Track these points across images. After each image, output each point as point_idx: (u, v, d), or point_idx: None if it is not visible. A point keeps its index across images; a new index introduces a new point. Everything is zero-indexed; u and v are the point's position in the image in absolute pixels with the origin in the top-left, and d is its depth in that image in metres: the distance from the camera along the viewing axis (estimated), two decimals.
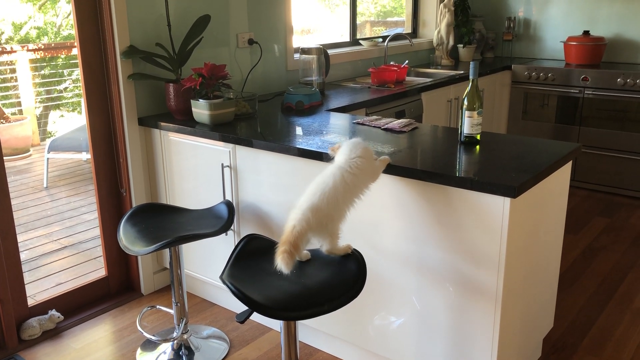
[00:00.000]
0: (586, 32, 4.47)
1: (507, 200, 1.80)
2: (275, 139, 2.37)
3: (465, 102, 2.14)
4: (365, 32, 4.85)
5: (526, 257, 2.02)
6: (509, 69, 4.56)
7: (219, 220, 2.33)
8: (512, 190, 1.76)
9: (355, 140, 1.86)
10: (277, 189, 2.40)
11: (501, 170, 1.91)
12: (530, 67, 4.48)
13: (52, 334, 2.64)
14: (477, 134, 2.19)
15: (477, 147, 2.18)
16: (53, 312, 2.67)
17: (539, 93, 4.48)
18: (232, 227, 2.59)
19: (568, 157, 2.11)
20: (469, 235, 1.91)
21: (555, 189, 2.16)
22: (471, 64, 2.13)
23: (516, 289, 1.99)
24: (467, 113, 2.15)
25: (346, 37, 4.29)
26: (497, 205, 1.82)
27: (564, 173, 2.20)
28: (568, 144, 2.19)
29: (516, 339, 2.09)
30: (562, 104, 4.39)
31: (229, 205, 2.39)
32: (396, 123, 2.52)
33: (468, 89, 2.13)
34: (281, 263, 1.65)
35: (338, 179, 1.74)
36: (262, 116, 2.83)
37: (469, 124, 2.16)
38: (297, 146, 2.26)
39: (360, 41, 4.27)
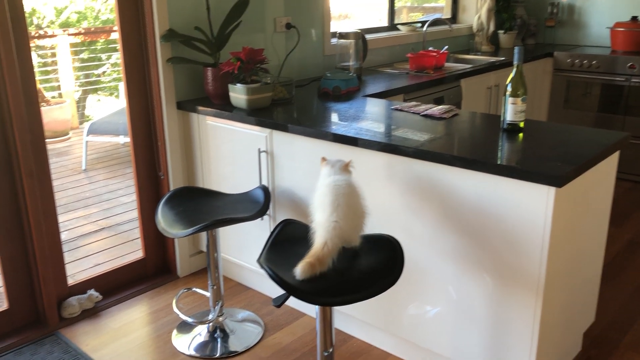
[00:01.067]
0: (634, 18, 4.30)
1: (552, 189, 1.75)
2: (312, 125, 2.35)
3: (509, 89, 2.08)
4: (402, 17, 4.77)
5: (569, 248, 1.97)
6: (550, 56, 4.43)
7: (255, 204, 2.33)
8: (557, 179, 1.71)
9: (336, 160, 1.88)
10: (313, 174, 2.38)
11: (545, 158, 1.85)
12: (573, 54, 4.34)
13: (90, 313, 2.70)
14: (521, 121, 2.13)
15: (520, 134, 2.12)
16: (92, 291, 2.72)
17: (582, 81, 4.34)
18: (267, 212, 2.59)
19: (615, 147, 2.03)
20: (510, 225, 1.86)
21: (601, 179, 2.09)
22: (516, 49, 2.07)
23: (558, 281, 1.94)
24: (510, 99, 2.09)
25: (384, 22, 4.23)
26: (541, 195, 1.77)
27: (610, 163, 2.13)
28: (615, 133, 2.11)
29: (556, 332, 2.05)
30: (606, 92, 4.25)
31: (265, 190, 2.39)
32: (436, 109, 2.47)
33: (512, 74, 2.07)
34: (300, 270, 1.65)
35: (341, 191, 1.74)
36: (298, 101, 2.81)
37: (512, 110, 2.10)
38: (334, 132, 2.23)
39: (399, 26, 4.20)
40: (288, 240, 1.93)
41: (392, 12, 4.24)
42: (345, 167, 1.84)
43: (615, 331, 2.51)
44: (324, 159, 1.89)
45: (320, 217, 1.74)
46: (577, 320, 2.23)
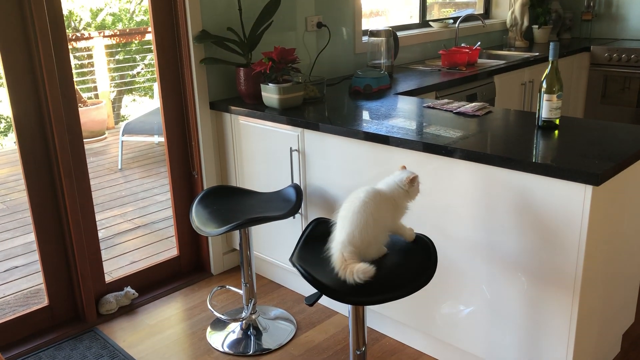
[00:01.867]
0: None
1: (589, 188, 1.71)
2: (343, 123, 2.35)
3: (544, 85, 2.05)
4: (433, 14, 4.73)
5: (607, 248, 1.92)
6: (587, 51, 4.33)
7: (287, 203, 2.35)
8: (594, 177, 1.67)
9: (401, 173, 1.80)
10: (345, 173, 2.39)
11: (582, 156, 1.81)
12: (611, 49, 4.24)
13: (127, 309, 2.75)
14: (556, 118, 2.09)
15: (556, 132, 2.08)
16: (128, 289, 2.78)
17: (620, 76, 4.23)
18: (299, 211, 2.60)
19: None
20: (545, 224, 1.83)
21: None
22: (551, 45, 2.03)
23: (595, 281, 1.90)
24: (545, 96, 2.06)
25: (415, 19, 4.20)
26: (578, 194, 1.74)
27: None
28: None
29: (594, 333, 2.00)
30: None
31: (297, 188, 2.40)
32: (469, 107, 2.44)
33: (547, 71, 2.04)
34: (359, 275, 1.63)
35: (349, 213, 1.71)
36: (329, 100, 2.82)
37: (547, 107, 2.07)
38: (365, 130, 2.23)
39: (430, 23, 4.17)
40: (320, 239, 1.93)
41: (423, 8, 4.20)
42: (408, 181, 1.75)
43: None
44: (403, 167, 1.84)
45: (336, 234, 1.75)
46: (616, 320, 2.18)
